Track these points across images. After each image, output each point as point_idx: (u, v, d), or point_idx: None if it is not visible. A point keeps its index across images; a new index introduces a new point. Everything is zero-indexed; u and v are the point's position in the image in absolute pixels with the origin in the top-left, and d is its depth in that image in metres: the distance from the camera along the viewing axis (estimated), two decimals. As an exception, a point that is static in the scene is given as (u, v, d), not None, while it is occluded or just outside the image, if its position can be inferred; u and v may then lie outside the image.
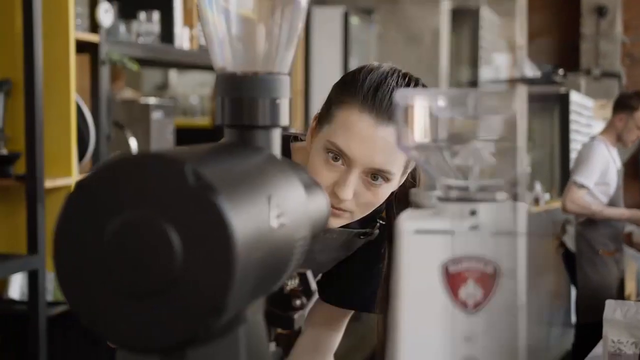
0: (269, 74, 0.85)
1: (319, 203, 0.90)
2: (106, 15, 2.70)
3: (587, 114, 7.74)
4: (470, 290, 0.71)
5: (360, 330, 2.71)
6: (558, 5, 8.86)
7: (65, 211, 0.65)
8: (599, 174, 4.33)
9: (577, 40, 9.55)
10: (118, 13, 3.03)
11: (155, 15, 3.08)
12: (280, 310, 0.91)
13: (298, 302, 0.92)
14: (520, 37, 5.69)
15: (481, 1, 7.06)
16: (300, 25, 0.88)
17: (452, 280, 0.71)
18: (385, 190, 1.29)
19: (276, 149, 0.85)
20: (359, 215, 1.31)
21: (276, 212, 0.73)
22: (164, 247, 0.63)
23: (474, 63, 7.36)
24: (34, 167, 2.37)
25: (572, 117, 7.11)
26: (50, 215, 2.47)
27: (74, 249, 0.66)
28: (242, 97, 0.83)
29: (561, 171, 7.22)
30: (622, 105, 4.41)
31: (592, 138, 4.63)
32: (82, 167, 2.69)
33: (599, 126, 8.47)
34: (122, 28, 3.01)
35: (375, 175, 1.27)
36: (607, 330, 2.00)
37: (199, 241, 0.63)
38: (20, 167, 2.45)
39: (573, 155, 7.26)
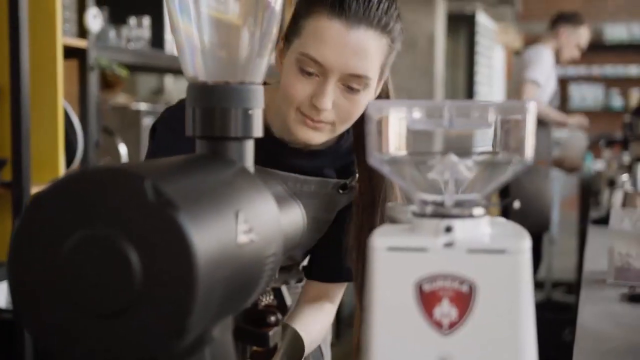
0: (241, 83, 0.82)
1: (293, 216, 0.87)
2: (95, 20, 2.67)
3: (490, 37, 7.91)
4: (445, 310, 0.68)
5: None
6: None
7: (22, 225, 0.63)
8: (545, 74, 4.41)
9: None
10: (108, 18, 3.00)
11: (146, 21, 3.05)
12: (254, 327, 0.88)
13: (273, 318, 0.89)
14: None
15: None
16: (275, 31, 0.85)
17: (426, 299, 0.68)
18: (363, 99, 1.27)
19: (249, 160, 0.83)
20: (340, 127, 1.29)
21: (244, 227, 0.70)
22: (123, 265, 0.60)
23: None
24: (20, 174, 2.34)
25: (477, 38, 7.23)
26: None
27: (30, 263, 0.63)
28: (213, 108, 0.81)
29: (466, 93, 7.34)
30: (568, 19, 4.51)
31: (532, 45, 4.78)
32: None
33: (499, 50, 8.66)
34: (112, 33, 2.98)
35: (352, 84, 1.24)
36: (612, 241, 1.88)
37: (159, 259, 0.60)
38: (6, 174, 2.42)
39: (478, 78, 7.41)
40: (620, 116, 9.56)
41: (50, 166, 2.51)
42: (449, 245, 0.68)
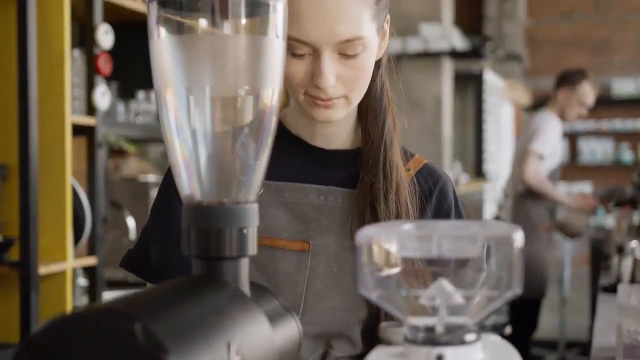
0: (237, 203, 0.83)
1: (288, 332, 0.87)
2: (103, 98, 2.71)
3: (498, 94, 7.94)
4: None
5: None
6: None
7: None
8: (551, 146, 4.41)
9: (480, 21, 9.77)
10: (117, 92, 3.04)
11: (154, 95, 3.10)
12: None
13: None
14: (447, 7, 5.72)
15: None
16: (267, 152, 0.86)
17: None
18: (366, 60, 1.17)
19: (243, 279, 0.83)
20: (355, 97, 1.19)
21: (237, 358, 0.70)
22: (113, 408, 0.60)
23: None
24: (28, 253, 2.36)
25: (485, 96, 7.25)
26: (44, 303, 2.45)
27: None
28: (208, 228, 0.82)
29: (475, 151, 7.33)
30: (565, 80, 4.56)
31: (537, 111, 4.84)
32: (78, 250, 2.67)
33: (507, 107, 8.72)
34: (120, 108, 3.02)
35: (347, 51, 1.14)
36: (621, 319, 1.82)
37: (149, 402, 0.60)
38: (14, 253, 2.44)
39: (486, 135, 7.41)
40: (630, 170, 9.57)
41: (58, 244, 2.53)
42: (440, 375, 0.68)
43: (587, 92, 4.53)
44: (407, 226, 0.75)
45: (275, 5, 0.82)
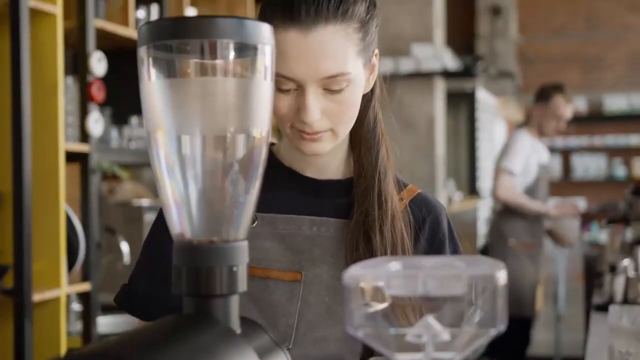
0: (226, 241, 0.85)
1: (280, 367, 0.89)
2: (96, 125, 2.73)
3: (491, 111, 7.98)
4: None
5: None
6: (454, 3, 9.05)
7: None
8: (523, 162, 4.42)
9: (472, 39, 9.86)
10: (110, 118, 3.06)
11: (147, 120, 3.11)
12: None
13: None
14: (438, 28, 5.75)
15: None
16: (256, 189, 0.88)
17: None
18: (352, 95, 1.18)
19: (234, 315, 0.85)
20: (341, 131, 1.20)
21: (227, 397, 0.72)
22: None
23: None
24: (22, 281, 2.36)
25: (477, 114, 7.29)
26: (38, 329, 2.45)
27: None
28: (199, 267, 0.83)
29: (468, 169, 7.36)
30: (539, 96, 4.60)
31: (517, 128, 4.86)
32: (72, 277, 2.68)
33: (500, 124, 8.77)
34: (114, 133, 3.04)
35: (332, 86, 1.16)
36: (612, 340, 1.82)
37: None
38: (8, 281, 2.44)
39: (479, 153, 7.45)
40: (623, 185, 9.62)
41: (52, 271, 2.54)
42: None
43: (561, 106, 4.55)
44: (394, 265, 0.77)
45: (263, 49, 0.84)
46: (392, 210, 1.26)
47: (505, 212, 4.48)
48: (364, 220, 1.25)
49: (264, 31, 0.84)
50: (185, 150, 0.85)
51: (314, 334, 1.23)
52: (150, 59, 0.83)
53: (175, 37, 0.82)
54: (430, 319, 0.74)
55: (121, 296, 1.31)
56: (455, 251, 1.32)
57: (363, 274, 0.74)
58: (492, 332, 0.73)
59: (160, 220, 1.30)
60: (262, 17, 1.18)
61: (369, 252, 1.23)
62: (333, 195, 1.30)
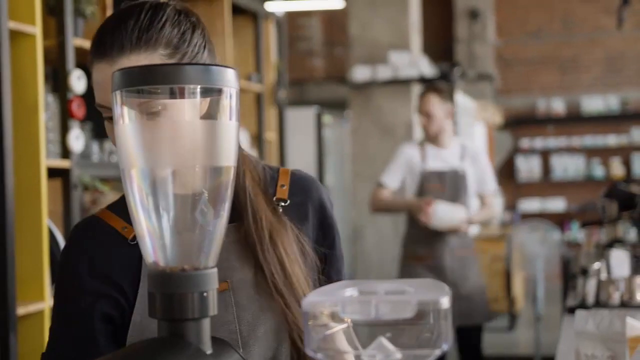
0: (196, 269, 0.92)
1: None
2: (77, 141, 2.78)
3: (470, 114, 8.07)
4: None
5: None
6: (431, 7, 9.14)
7: None
8: (401, 174, 4.23)
9: (451, 43, 9.99)
10: (91, 132, 3.11)
11: (127, 134, 3.16)
12: None
13: None
14: (415, 35, 5.81)
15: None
16: (224, 220, 0.95)
17: None
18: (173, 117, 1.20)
19: (206, 337, 0.92)
20: None
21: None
22: None
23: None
24: (6, 295, 2.42)
25: (456, 118, 7.37)
26: (22, 342, 2.50)
27: None
28: (172, 293, 0.90)
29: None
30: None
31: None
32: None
33: (479, 127, 8.88)
34: (95, 147, 3.10)
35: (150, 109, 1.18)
36: (578, 343, 1.87)
37: None
38: (-8, 295, 2.50)
39: None
40: (602, 185, 9.75)
41: (35, 286, 2.59)
42: None
43: (420, 101, 4.26)
44: (349, 291, 0.84)
45: (228, 91, 0.91)
46: (269, 227, 1.30)
47: (406, 230, 4.29)
48: (254, 227, 1.30)
49: (229, 75, 0.91)
50: (157, 185, 0.91)
51: (256, 332, 1.29)
52: (124, 103, 0.89)
53: (146, 83, 0.89)
54: (383, 340, 0.81)
55: None
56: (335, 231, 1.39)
57: (320, 301, 0.82)
58: (437, 352, 0.80)
59: (70, 272, 1.28)
60: (89, 54, 1.26)
61: (276, 247, 1.29)
62: None
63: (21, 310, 2.51)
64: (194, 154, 0.91)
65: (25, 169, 2.59)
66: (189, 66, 0.90)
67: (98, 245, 1.29)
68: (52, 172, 2.75)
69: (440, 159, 4.23)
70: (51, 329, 1.30)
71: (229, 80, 0.91)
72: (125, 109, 0.91)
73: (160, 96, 0.92)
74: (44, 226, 2.60)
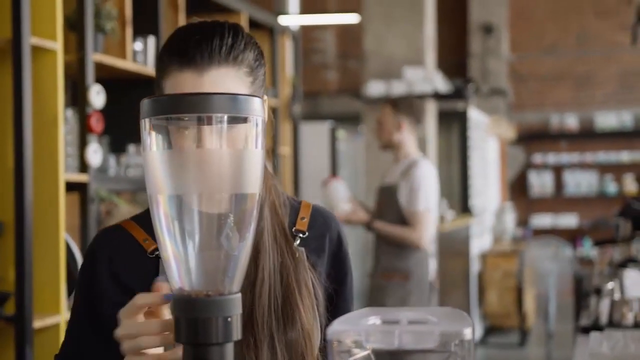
0: (221, 294, 0.93)
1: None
2: (95, 155, 2.81)
3: (483, 129, 8.06)
4: None
5: None
6: (446, 21, 9.12)
7: None
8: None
9: (465, 58, 9.98)
10: (108, 147, 3.14)
11: (144, 148, 3.19)
12: None
13: None
14: (430, 51, 5.81)
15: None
16: (248, 245, 0.96)
17: None
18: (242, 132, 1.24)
19: (229, 361, 0.93)
20: None
21: None
22: None
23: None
24: (23, 308, 2.44)
25: (469, 133, 7.36)
26: (38, 355, 2.52)
27: None
28: (196, 318, 0.92)
29: (461, 187, 7.43)
30: None
31: None
32: (71, 303, 2.76)
33: (492, 142, 8.87)
34: (112, 161, 3.12)
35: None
36: None
37: None
38: (9, 308, 2.52)
39: (472, 171, 7.51)
40: (614, 201, 9.73)
41: (52, 298, 2.61)
42: None
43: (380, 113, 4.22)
44: (372, 319, 0.85)
45: (254, 120, 0.93)
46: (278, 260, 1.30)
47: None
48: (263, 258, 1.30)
49: (255, 104, 0.93)
50: (184, 211, 0.93)
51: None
52: (152, 131, 0.91)
53: (174, 112, 0.91)
54: (406, 367, 0.82)
55: None
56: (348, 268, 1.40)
57: (344, 330, 0.83)
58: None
59: (89, 272, 1.31)
60: (161, 62, 1.26)
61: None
62: None
63: (37, 323, 2.53)
64: (220, 181, 0.93)
65: (44, 182, 2.62)
66: (217, 95, 0.92)
67: (119, 252, 1.31)
68: (70, 186, 2.77)
69: (389, 175, 4.19)
70: (67, 330, 1.33)
71: (255, 109, 0.93)
72: (154, 136, 0.92)
73: (188, 124, 0.93)
74: (62, 240, 2.62)
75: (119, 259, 1.30)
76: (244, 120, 0.92)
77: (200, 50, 1.21)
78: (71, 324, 1.33)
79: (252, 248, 1.23)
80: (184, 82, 1.21)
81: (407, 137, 4.11)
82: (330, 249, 1.38)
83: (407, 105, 4.16)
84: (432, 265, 4.23)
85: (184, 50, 1.22)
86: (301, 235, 1.35)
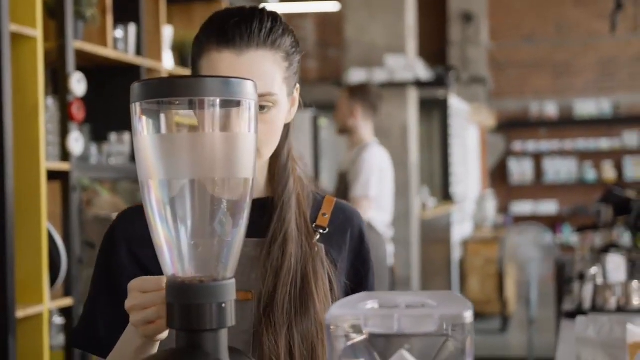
0: (215, 280, 0.92)
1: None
2: (76, 143, 2.78)
3: (464, 117, 8.10)
4: None
5: None
6: (426, 9, 9.13)
7: None
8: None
9: (444, 46, 10.01)
10: (90, 135, 3.11)
11: (126, 136, 3.16)
12: None
13: None
14: (411, 39, 5.83)
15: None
16: (242, 231, 0.95)
17: None
18: (277, 116, 1.26)
19: (223, 348, 0.92)
20: (265, 151, 1.27)
21: None
22: None
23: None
24: (6, 298, 2.41)
25: (450, 121, 7.40)
26: (21, 345, 2.50)
27: None
28: (190, 304, 0.90)
29: (442, 175, 7.48)
30: None
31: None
32: (54, 292, 2.73)
33: (472, 129, 8.92)
34: (93, 150, 3.09)
35: (261, 102, 1.23)
36: (579, 349, 1.88)
37: None
38: (-9, 298, 2.49)
39: (453, 159, 7.55)
40: (594, 188, 9.80)
41: (34, 288, 2.58)
42: None
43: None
44: (370, 304, 0.84)
45: (246, 103, 0.91)
46: (287, 238, 1.30)
47: None
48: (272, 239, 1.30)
49: (248, 87, 0.91)
50: (176, 197, 0.92)
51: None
52: (143, 115, 0.89)
53: (165, 95, 0.89)
54: (405, 353, 0.81)
55: (77, 337, 1.33)
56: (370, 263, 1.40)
57: (343, 314, 0.82)
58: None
59: (109, 245, 1.32)
60: (198, 43, 1.27)
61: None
62: (255, 213, 1.27)
63: (20, 313, 2.51)
64: (212, 165, 0.91)
65: (25, 171, 2.59)
66: (209, 78, 0.90)
67: (137, 232, 1.29)
68: (52, 175, 2.74)
69: (344, 161, 4.29)
70: (85, 304, 1.34)
71: (248, 92, 0.92)
72: (144, 120, 0.91)
73: (180, 107, 0.92)
74: (44, 229, 2.60)
75: (137, 239, 1.30)
76: (237, 103, 0.91)
77: (240, 31, 1.23)
78: (90, 298, 1.34)
79: (281, 235, 1.27)
80: (222, 62, 1.23)
81: (361, 124, 4.14)
82: (351, 246, 1.38)
83: (362, 92, 4.19)
84: (390, 250, 4.24)
85: (224, 30, 1.23)
86: (321, 231, 1.34)
